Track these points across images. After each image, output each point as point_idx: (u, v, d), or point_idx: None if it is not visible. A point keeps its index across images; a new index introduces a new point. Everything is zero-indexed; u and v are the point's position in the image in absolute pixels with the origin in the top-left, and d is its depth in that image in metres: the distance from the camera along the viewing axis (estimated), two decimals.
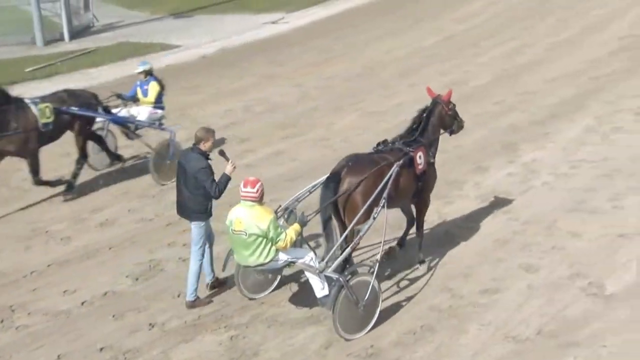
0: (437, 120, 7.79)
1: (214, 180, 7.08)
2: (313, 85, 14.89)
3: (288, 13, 20.74)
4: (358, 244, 7.02)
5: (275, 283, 7.58)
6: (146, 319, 7.24)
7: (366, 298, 6.73)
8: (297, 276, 7.82)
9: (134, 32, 19.54)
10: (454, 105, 7.98)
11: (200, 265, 7.34)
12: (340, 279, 6.59)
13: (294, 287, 7.67)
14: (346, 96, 14.10)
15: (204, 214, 7.23)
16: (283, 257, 6.80)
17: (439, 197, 9.23)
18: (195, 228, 7.28)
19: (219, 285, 7.60)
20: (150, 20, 21.05)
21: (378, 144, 7.52)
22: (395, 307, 7.29)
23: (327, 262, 6.78)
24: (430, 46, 17.04)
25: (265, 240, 6.67)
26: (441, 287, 7.61)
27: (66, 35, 18.95)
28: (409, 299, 7.44)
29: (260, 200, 6.75)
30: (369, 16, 20.10)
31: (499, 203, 9.48)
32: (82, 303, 7.56)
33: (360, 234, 6.93)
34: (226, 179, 7.12)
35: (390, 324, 7.02)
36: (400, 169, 7.20)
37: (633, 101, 12.59)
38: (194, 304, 7.36)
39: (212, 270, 7.55)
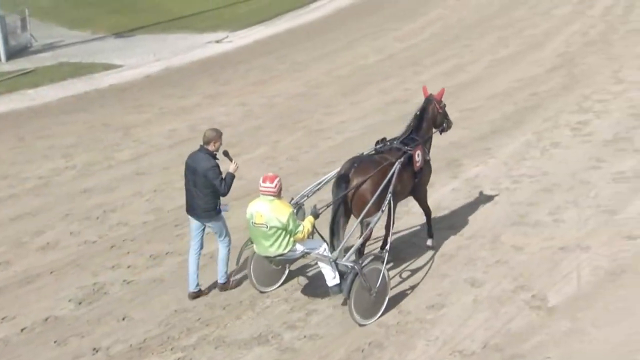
0: (430, 118, 8.38)
1: (222, 178, 7.53)
2: (257, 104, 14.88)
3: (232, 32, 20.71)
4: (370, 235, 7.63)
5: (283, 278, 8.01)
6: (90, 344, 7.06)
7: (378, 285, 7.26)
8: (242, 297, 7.74)
9: (74, 52, 19.22)
10: (445, 104, 8.55)
11: (229, 251, 7.78)
12: (356, 266, 7.12)
13: (241, 307, 7.60)
14: (290, 114, 14.12)
15: (214, 211, 7.65)
16: (300, 247, 7.29)
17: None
18: (214, 223, 7.71)
19: (198, 295, 7.84)
20: (91, 40, 20.74)
21: (377, 143, 8.13)
22: (343, 324, 7.28)
23: (340, 252, 7.30)
24: (372, 64, 17.22)
25: (284, 232, 7.16)
26: (388, 303, 7.64)
27: (3, 56, 18.53)
28: None
29: (278, 194, 7.25)
30: (311, 35, 20.23)
31: (443, 218, 9.59)
32: (22, 330, 7.33)
33: (371, 225, 7.52)
34: (231, 177, 7.62)
35: (338, 341, 7.01)
36: (401, 167, 7.82)
37: (570, 117, 12.94)
38: (224, 287, 7.85)
39: (197, 279, 7.82)
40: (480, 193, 10.28)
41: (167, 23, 22.10)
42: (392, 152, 7.96)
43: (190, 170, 7.59)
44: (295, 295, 7.94)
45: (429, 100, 8.43)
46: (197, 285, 7.81)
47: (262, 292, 7.85)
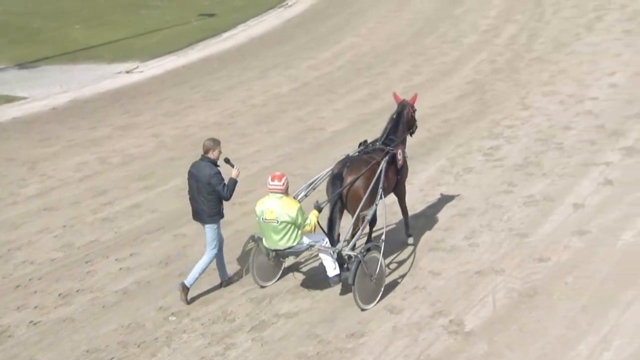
0: (405, 121, 9.48)
1: (225, 184, 8.31)
2: (171, 135, 14.71)
3: (142, 62, 20.46)
4: (366, 227, 8.62)
5: (279, 275, 8.82)
6: None
7: (377, 272, 8.19)
8: (157, 333, 7.56)
9: None
10: (416, 109, 9.76)
11: (208, 264, 8.45)
12: (358, 255, 8.00)
13: (157, 344, 7.42)
14: None
15: (217, 215, 8.44)
16: (306, 240, 8.23)
17: None
18: (210, 230, 8.44)
19: (227, 284, 8.70)
20: None
21: (360, 145, 9.17)
22: (262, 357, 7.20)
23: (342, 243, 8.17)
24: (286, 93, 17.34)
25: (293, 226, 8.07)
26: (307, 333, 7.62)
27: None
28: (275, 348, 7.37)
29: (286, 192, 8.16)
30: (225, 64, 20.23)
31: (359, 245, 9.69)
32: None
33: (367, 218, 8.48)
34: (234, 182, 8.40)
35: None
36: (386, 165, 8.78)
37: (482, 142, 13.36)
38: (186, 290, 8.34)
39: (225, 271, 8.69)
40: (398, 219, 10.45)
41: (74, 53, 21.63)
42: (376, 152, 8.93)
43: (194, 179, 8.40)
44: (212, 329, 7.82)
45: (403, 104, 9.55)
46: (227, 275, 8.74)
47: (262, 287, 8.64)
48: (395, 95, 9.72)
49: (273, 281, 8.78)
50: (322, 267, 8.42)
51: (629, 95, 15.25)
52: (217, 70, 19.63)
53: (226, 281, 8.77)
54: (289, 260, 9.08)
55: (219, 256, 8.62)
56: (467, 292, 8.47)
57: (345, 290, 8.41)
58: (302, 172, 12.52)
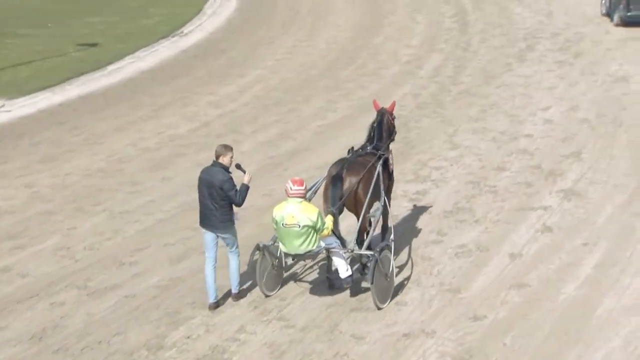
0: (386, 127, 10.73)
1: (237, 190, 9.48)
2: (47, 184, 14.39)
3: (10, 100, 19.98)
4: (376, 227, 10.06)
5: (280, 284, 10.07)
6: None
7: (390, 271, 9.60)
8: None
9: None
10: (395, 116, 11.04)
11: (239, 261, 9.73)
12: (375, 254, 9.38)
13: None
14: (88, 195, 13.77)
15: (230, 221, 9.61)
16: (322, 244, 9.51)
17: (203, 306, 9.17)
18: (229, 234, 9.65)
19: (218, 305, 9.72)
20: None
21: (349, 151, 10.44)
22: None
23: (354, 244, 9.68)
24: (184, 134, 17.27)
25: (313, 230, 9.35)
26: None
27: None
28: None
29: (305, 196, 9.56)
30: (111, 102, 20.03)
31: (271, 308, 9.65)
32: None
33: (375, 218, 9.94)
34: (246, 188, 9.57)
35: None
36: (381, 168, 10.21)
37: (408, 186, 13.62)
38: (239, 296, 9.78)
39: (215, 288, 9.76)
40: (318, 273, 10.48)
41: None
42: (369, 156, 10.29)
43: (206, 184, 9.55)
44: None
45: (382, 112, 10.81)
46: (216, 297, 9.67)
47: (267, 296, 9.84)
48: (374, 103, 11.16)
49: (276, 290, 10.01)
50: (321, 274, 10.10)
51: (565, 132, 15.93)
52: (102, 109, 19.40)
53: (215, 303, 9.73)
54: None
55: (212, 271, 9.66)
56: (395, 358, 8.54)
57: (354, 291, 9.85)
58: None
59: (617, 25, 24.63)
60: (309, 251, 9.50)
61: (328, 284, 10.11)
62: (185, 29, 28.03)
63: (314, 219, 9.35)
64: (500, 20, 26.94)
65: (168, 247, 11.70)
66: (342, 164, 10.04)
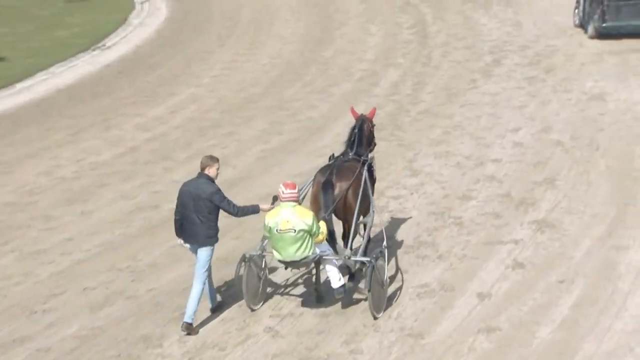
0: (366, 134, 11.75)
1: (229, 201, 10.36)
2: None
3: None
4: (370, 234, 11.11)
5: (264, 297, 10.93)
6: None
7: (385, 278, 10.60)
8: None
9: None
10: (374, 124, 12.06)
11: (203, 289, 10.30)
12: (372, 261, 10.30)
13: None
14: None
15: (214, 237, 10.34)
16: (317, 251, 10.34)
17: None
18: (205, 252, 10.29)
19: (218, 309, 10.70)
20: None
21: (330, 158, 11.53)
22: None
23: (349, 251, 10.66)
24: (107, 161, 17.12)
25: (308, 235, 10.16)
26: None
27: None
28: None
29: (298, 200, 10.39)
30: (21, 124, 19.77)
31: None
32: None
33: (369, 225, 11.10)
34: (254, 209, 10.62)
35: None
36: (367, 173, 11.27)
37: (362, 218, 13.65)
38: (190, 327, 10.15)
39: (215, 295, 10.73)
40: (256, 322, 10.41)
41: None
42: (353, 162, 11.30)
43: (191, 197, 10.24)
44: None
45: (363, 119, 11.84)
46: (215, 303, 10.69)
47: (252, 310, 10.64)
48: (352, 111, 12.19)
49: (260, 304, 10.80)
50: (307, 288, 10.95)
51: (537, 156, 16.14)
52: (9, 133, 19.14)
53: (214, 309, 10.64)
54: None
55: (209, 281, 10.45)
56: None
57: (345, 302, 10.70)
58: (130, 265, 12.30)
59: (591, 37, 25.11)
60: (305, 257, 10.30)
61: (316, 296, 10.88)
62: (108, 42, 27.88)
63: (310, 222, 10.20)
64: (464, 31, 27.35)
65: (88, 292, 11.54)
66: (329, 169, 11.03)
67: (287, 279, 11.62)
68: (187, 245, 10.45)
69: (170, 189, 15.53)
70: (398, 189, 14.86)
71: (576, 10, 27.01)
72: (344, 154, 11.64)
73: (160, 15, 32.09)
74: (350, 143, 11.69)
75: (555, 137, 17.12)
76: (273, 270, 11.53)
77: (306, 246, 10.23)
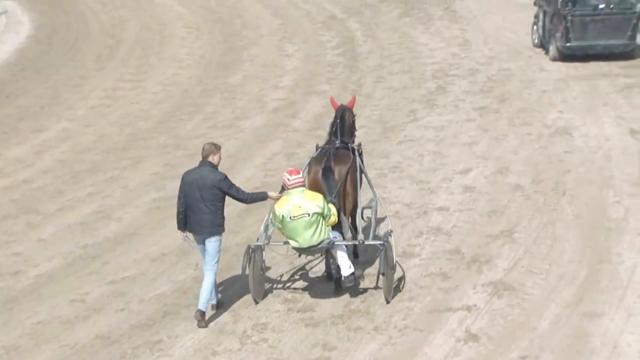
0: (347, 125, 13.89)
1: (237, 188, 12.45)
2: None
3: None
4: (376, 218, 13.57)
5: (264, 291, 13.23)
6: None
7: (395, 262, 12.91)
8: None
9: None
10: (355, 114, 14.30)
11: (215, 280, 12.38)
12: (385, 244, 12.63)
13: None
14: None
15: (222, 226, 12.36)
16: (330, 235, 12.51)
17: None
18: (213, 242, 12.34)
19: (219, 307, 12.74)
20: None
21: (316, 147, 13.75)
22: None
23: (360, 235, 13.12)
24: None
25: (321, 217, 12.33)
26: None
27: None
28: None
29: (305, 184, 12.63)
30: None
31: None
32: None
33: (373, 209, 13.52)
34: (263, 196, 12.81)
35: None
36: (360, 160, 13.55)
37: (280, 283, 13.64)
38: (203, 316, 12.27)
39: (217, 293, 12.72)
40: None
41: None
42: (343, 149, 13.42)
43: (197, 186, 12.13)
44: None
45: (343, 108, 14.01)
46: (217, 299, 12.73)
47: (257, 303, 12.81)
48: (332, 101, 14.50)
49: (262, 298, 12.93)
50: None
51: (492, 203, 16.33)
52: None
53: (216, 304, 12.64)
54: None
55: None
56: None
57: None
58: None
59: (554, 59, 25.69)
60: (321, 242, 12.42)
61: (335, 286, 13.09)
62: None
63: (321, 204, 12.34)
64: (401, 52, 27.72)
65: None
66: (325, 156, 13.11)
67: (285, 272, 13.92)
68: (191, 238, 12.43)
69: (35, 250, 15.34)
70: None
71: (535, 27, 27.63)
72: (329, 142, 13.74)
73: (21, 32, 31.87)
74: (334, 132, 13.84)
75: (513, 181, 17.37)
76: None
77: (321, 230, 12.38)
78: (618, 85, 23.34)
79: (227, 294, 13.33)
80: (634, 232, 14.78)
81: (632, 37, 25.37)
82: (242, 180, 17.73)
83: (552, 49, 25.75)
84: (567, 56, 25.45)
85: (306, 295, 13.25)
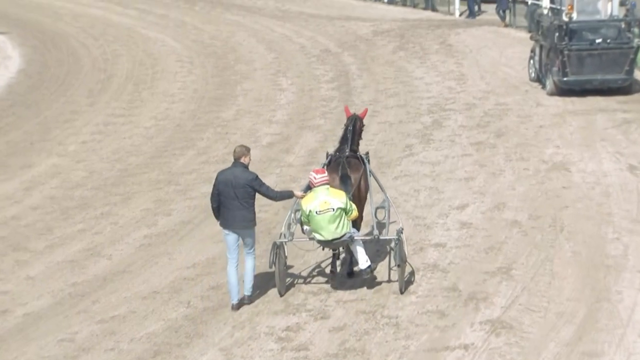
0: (358, 133, 15.58)
1: (267, 185, 14.35)
2: None
3: None
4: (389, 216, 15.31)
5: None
6: None
7: (406, 254, 14.51)
8: None
9: None
10: (365, 124, 16.02)
11: (254, 263, 14.14)
12: (399, 237, 14.25)
13: None
14: None
15: (253, 221, 14.03)
16: (351, 229, 14.19)
17: None
18: (250, 235, 14.04)
19: (241, 305, 14.04)
20: None
21: (326, 155, 15.44)
22: None
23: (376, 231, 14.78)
24: None
25: (344, 212, 14.02)
26: None
27: None
28: None
29: (329, 182, 14.27)
30: None
31: None
32: None
33: (386, 209, 15.19)
34: (290, 194, 14.68)
35: None
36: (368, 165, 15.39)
37: (273, 320, 13.60)
38: (251, 300, 14.12)
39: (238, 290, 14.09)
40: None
41: None
42: (353, 157, 15.08)
43: (231, 185, 13.86)
44: None
45: (355, 118, 15.57)
46: (239, 298, 13.94)
47: (281, 295, 14.27)
48: (346, 109, 16.05)
49: (285, 292, 14.42)
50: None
51: (489, 240, 16.29)
52: None
53: (237, 304, 13.93)
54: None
55: (234, 271, 13.88)
56: None
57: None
58: None
59: (551, 94, 25.78)
60: (344, 235, 14.03)
61: (348, 277, 14.78)
62: None
63: (344, 200, 14.07)
64: (397, 86, 27.79)
65: None
66: (339, 164, 14.80)
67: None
68: (227, 232, 13.88)
69: (24, 288, 15.27)
70: (318, 283, 14.83)
71: (531, 61, 27.74)
72: (339, 150, 15.27)
73: (11, 66, 31.90)
74: (345, 140, 15.38)
75: (510, 216, 17.37)
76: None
77: (344, 224, 14.01)
78: (616, 120, 23.41)
79: (221, 334, 13.27)
80: (633, 269, 14.75)
81: (630, 72, 25.53)
82: None
83: (549, 83, 25.84)
84: (564, 91, 25.54)
85: (301, 333, 13.19)
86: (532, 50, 27.63)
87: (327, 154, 15.53)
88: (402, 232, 14.51)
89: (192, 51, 34.26)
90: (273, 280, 14.36)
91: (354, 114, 15.81)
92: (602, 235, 16.25)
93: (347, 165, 14.84)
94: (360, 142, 15.70)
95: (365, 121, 15.81)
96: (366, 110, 16.53)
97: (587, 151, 20.98)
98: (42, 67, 31.98)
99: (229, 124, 24.78)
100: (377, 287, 14.57)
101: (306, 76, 29.63)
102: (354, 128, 15.51)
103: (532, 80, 27.39)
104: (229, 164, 21.16)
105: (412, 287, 14.46)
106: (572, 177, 19.38)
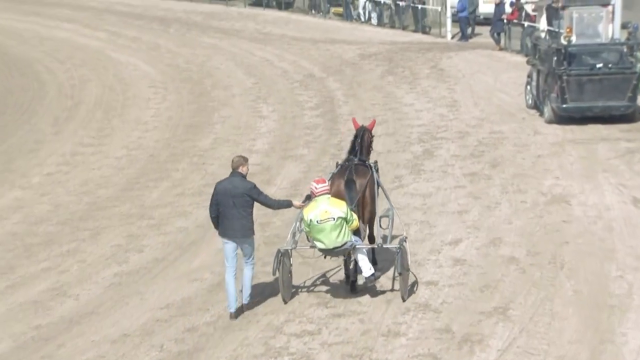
0: (367, 144, 16.64)
1: (266, 194, 15.23)
2: None
3: None
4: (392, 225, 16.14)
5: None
6: None
7: (409, 264, 15.57)
8: None
9: None
10: (374, 135, 17.12)
11: (253, 273, 15.22)
12: (401, 247, 15.22)
13: None
14: None
15: (252, 230, 14.98)
16: (353, 238, 15.14)
17: None
18: (249, 245, 15.02)
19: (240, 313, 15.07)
20: None
21: (336, 165, 16.49)
22: None
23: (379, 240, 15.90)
24: None
25: (345, 221, 14.95)
26: None
27: None
28: None
29: (330, 192, 15.20)
30: None
31: None
32: None
33: (390, 217, 16.14)
34: (288, 204, 15.59)
35: None
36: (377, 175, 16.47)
37: (250, 350, 13.54)
38: (248, 307, 15.08)
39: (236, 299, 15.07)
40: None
41: None
42: (361, 165, 16.15)
43: (229, 194, 14.76)
44: None
45: (364, 129, 16.75)
46: (236, 306, 14.89)
47: (285, 302, 15.27)
48: (354, 121, 17.20)
49: (290, 298, 15.44)
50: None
51: (484, 277, 16.26)
52: None
53: (235, 312, 14.88)
54: None
55: (232, 280, 14.86)
56: None
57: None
58: None
59: (549, 121, 25.83)
60: (345, 243, 14.99)
61: (350, 287, 15.63)
62: None
63: (345, 210, 14.99)
64: (385, 113, 27.84)
65: None
66: (346, 171, 15.87)
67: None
68: (225, 240, 14.80)
69: None
70: (302, 323, 14.77)
71: (528, 87, 27.84)
72: (348, 160, 16.38)
73: None
74: (354, 151, 16.55)
75: (507, 252, 17.35)
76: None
77: (344, 232, 14.98)
78: (619, 150, 23.47)
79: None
80: (638, 309, 14.73)
81: (633, 99, 25.56)
82: (213, 252, 17.73)
83: (547, 110, 25.89)
84: (563, 118, 25.58)
85: None
86: (529, 76, 27.71)
87: (337, 163, 16.63)
88: (405, 241, 15.61)
89: (166, 76, 34.29)
90: (269, 289, 15.41)
91: (362, 125, 16.97)
92: (605, 273, 16.22)
93: (355, 171, 15.88)
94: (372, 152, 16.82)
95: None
96: (374, 122, 17.63)
97: (588, 183, 21.00)
98: (5, 92, 31.97)
99: (205, 154, 24.77)
100: (365, 327, 14.53)
101: (288, 102, 29.67)
102: (362, 139, 16.60)
103: (529, 107, 27.47)
104: (205, 197, 21.39)
105: (402, 329, 14.42)
106: (573, 211, 19.39)
